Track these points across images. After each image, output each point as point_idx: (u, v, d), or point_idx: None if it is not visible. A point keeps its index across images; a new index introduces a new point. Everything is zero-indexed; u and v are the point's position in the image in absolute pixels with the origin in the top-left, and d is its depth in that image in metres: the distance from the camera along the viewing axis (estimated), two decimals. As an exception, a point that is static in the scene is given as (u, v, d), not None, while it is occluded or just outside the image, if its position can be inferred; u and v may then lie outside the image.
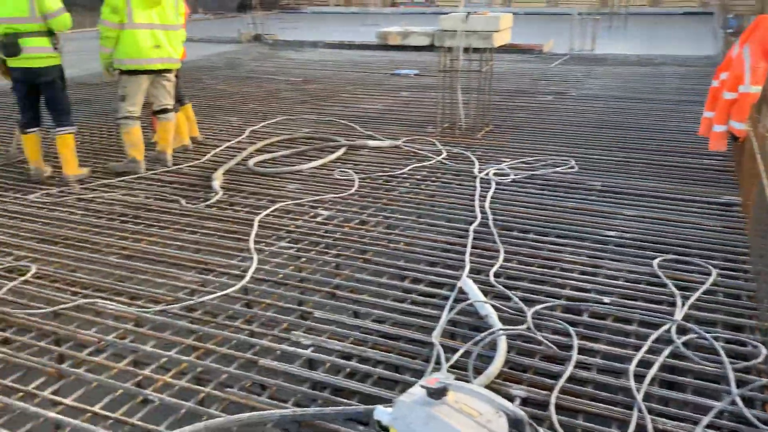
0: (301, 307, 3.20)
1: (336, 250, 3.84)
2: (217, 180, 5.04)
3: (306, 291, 3.38)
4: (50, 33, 4.82)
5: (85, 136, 6.52)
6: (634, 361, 2.62)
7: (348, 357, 2.75)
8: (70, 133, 5.11)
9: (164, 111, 5.49)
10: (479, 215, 4.23)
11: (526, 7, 24.16)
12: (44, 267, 3.61)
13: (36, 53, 4.77)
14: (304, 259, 3.73)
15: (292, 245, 3.92)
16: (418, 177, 5.16)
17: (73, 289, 3.37)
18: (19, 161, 5.61)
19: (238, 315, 3.14)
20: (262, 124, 7.05)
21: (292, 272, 3.58)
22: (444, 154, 5.66)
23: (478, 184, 4.83)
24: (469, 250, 3.70)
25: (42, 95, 5.05)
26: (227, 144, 6.22)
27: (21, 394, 2.52)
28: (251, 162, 5.49)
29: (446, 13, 7.51)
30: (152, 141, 5.88)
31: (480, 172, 5.11)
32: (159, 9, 5.15)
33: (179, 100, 5.94)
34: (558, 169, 5.18)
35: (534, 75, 10.03)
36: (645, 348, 2.71)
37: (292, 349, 2.81)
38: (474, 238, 3.87)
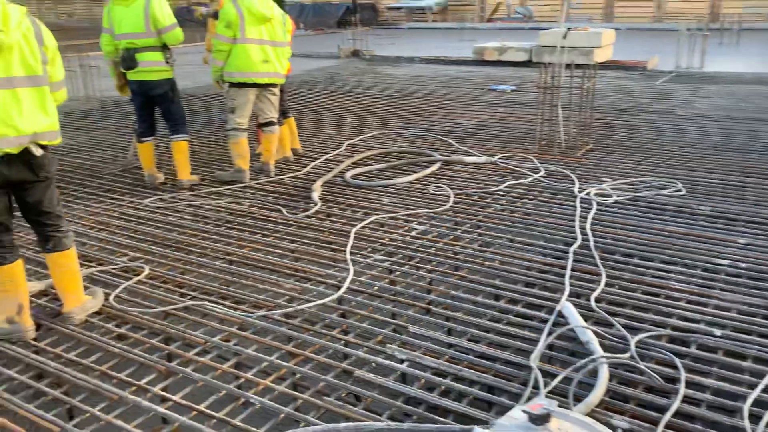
0: (396, 321, 3.22)
1: (430, 265, 3.85)
2: (316, 191, 5.18)
3: (400, 305, 3.41)
4: (164, 47, 5.14)
5: (195, 146, 6.88)
6: (750, 400, 2.45)
7: (443, 374, 2.74)
8: (184, 140, 5.42)
9: (269, 124, 5.72)
10: (579, 237, 4.11)
11: (629, 23, 23.37)
12: (156, 268, 3.84)
13: (150, 67, 5.09)
14: (398, 273, 3.76)
15: (386, 258, 3.96)
16: (515, 194, 5.09)
17: (181, 290, 3.56)
18: (134, 167, 6.00)
19: (335, 324, 3.21)
20: (359, 137, 7.20)
21: (386, 285, 3.62)
22: (542, 172, 5.56)
23: (578, 204, 4.70)
24: (568, 272, 3.61)
25: (157, 106, 5.38)
26: (326, 156, 6.39)
27: (134, 388, 2.68)
28: (348, 175, 5.61)
29: (545, 29, 7.34)
30: (257, 152, 6.14)
31: (580, 192, 4.97)
32: (269, 25, 5.38)
33: (283, 114, 6.17)
34: (663, 191, 4.96)
35: (637, 93, 9.67)
36: (762, 386, 2.53)
37: (386, 362, 2.83)
38: (574, 260, 3.76)
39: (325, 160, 6.29)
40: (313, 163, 6.14)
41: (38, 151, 2.89)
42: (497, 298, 3.45)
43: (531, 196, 5.04)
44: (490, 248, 4.08)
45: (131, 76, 5.17)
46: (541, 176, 5.48)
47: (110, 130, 8.06)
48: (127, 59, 5.06)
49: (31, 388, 2.71)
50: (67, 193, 5.36)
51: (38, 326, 3.14)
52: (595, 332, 2.94)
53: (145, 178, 5.54)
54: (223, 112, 8.43)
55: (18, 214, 3.08)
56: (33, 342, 3.04)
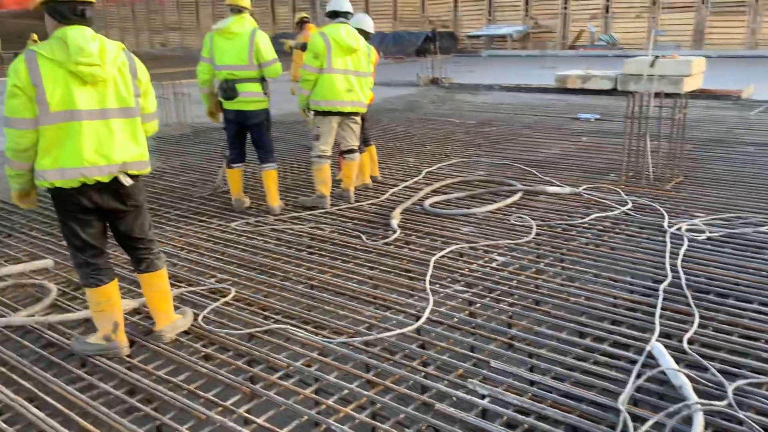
0: (476, 355, 3.17)
1: (512, 298, 3.78)
2: (395, 219, 5.21)
3: (480, 338, 3.36)
4: (262, 79, 5.35)
5: (278, 171, 7.08)
6: None
7: (526, 412, 2.67)
8: (274, 168, 5.60)
9: (350, 151, 5.83)
10: (670, 274, 3.94)
11: (720, 50, 22.48)
12: (242, 291, 3.96)
13: (249, 97, 5.30)
14: (478, 305, 3.71)
15: (466, 289, 3.92)
16: (600, 228, 4.94)
17: (265, 313, 3.65)
18: (222, 192, 6.24)
19: (414, 355, 3.19)
20: (438, 165, 7.21)
21: (466, 317, 3.57)
22: (629, 205, 5.38)
23: (668, 240, 4.51)
24: (658, 311, 3.45)
25: (250, 135, 5.57)
26: (405, 184, 6.43)
27: (220, 408, 2.75)
28: (427, 202, 5.62)
29: (630, 56, 7.15)
30: (337, 178, 6.26)
31: (670, 227, 4.77)
32: (354, 56, 5.52)
33: (365, 141, 6.28)
34: (762, 228, 4.68)
35: (731, 123, 9.24)
36: None
37: (467, 396, 2.79)
38: (664, 299, 3.60)
39: (404, 187, 6.34)
40: (392, 190, 6.19)
41: (127, 181, 3.02)
42: (582, 335, 3.34)
43: (617, 230, 4.88)
44: (575, 283, 3.97)
45: (229, 105, 5.35)
46: (628, 209, 5.30)
47: (200, 154, 8.43)
48: (228, 89, 5.25)
49: (125, 403, 2.83)
50: (160, 215, 5.63)
51: (132, 343, 3.29)
52: (688, 376, 2.79)
53: (232, 202, 5.74)
54: (305, 139, 8.69)
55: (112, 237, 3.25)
56: (127, 358, 3.18)
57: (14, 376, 3.03)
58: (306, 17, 8.59)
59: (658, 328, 3.27)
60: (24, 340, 3.38)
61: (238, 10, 5.28)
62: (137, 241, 3.23)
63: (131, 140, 3.03)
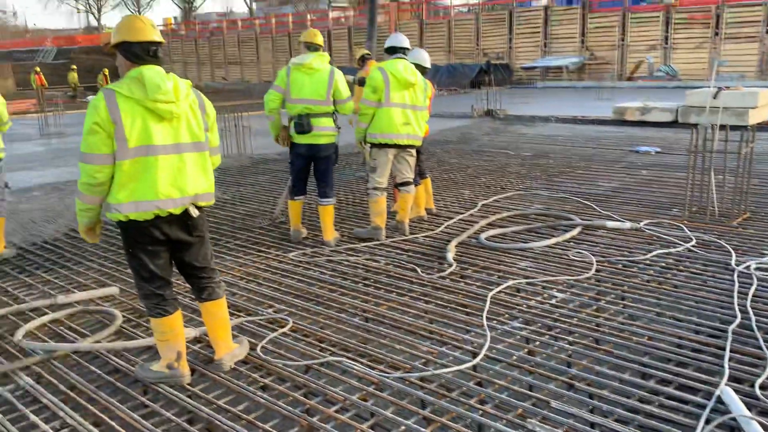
0: (535, 394, 3.10)
1: (572, 336, 3.69)
2: (451, 252, 5.19)
3: (539, 377, 3.28)
4: (333, 114, 5.49)
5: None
6: None
7: (588, 457, 2.59)
8: (332, 204, 5.67)
9: (406, 184, 5.87)
10: (739, 314, 3.78)
11: (787, 80, 21.74)
12: (299, 321, 4.00)
13: (322, 131, 5.41)
14: (537, 343, 3.64)
15: (524, 326, 3.86)
16: (663, 265, 4.79)
17: (322, 345, 3.67)
18: (280, 222, 6.36)
19: (471, 392, 3.15)
20: (494, 198, 7.17)
21: (524, 355, 3.51)
22: (693, 242, 5.21)
23: (735, 279, 4.34)
24: (727, 354, 3.31)
25: (315, 168, 5.61)
26: (460, 216, 6.41)
27: (277, 439, 2.77)
28: (483, 236, 5.59)
29: (691, 88, 6.99)
30: (392, 210, 6.30)
31: (738, 265, 4.59)
32: (411, 91, 5.60)
33: (420, 174, 6.32)
34: (839, 268, 4.46)
35: (801, 156, 8.88)
36: None
37: (527, 437, 2.73)
38: (733, 341, 3.46)
39: (459, 220, 6.32)
40: (447, 223, 6.18)
41: (195, 212, 3.14)
42: (646, 376, 3.23)
43: (681, 267, 4.72)
44: (637, 322, 3.85)
45: (301, 139, 5.42)
46: (692, 246, 5.13)
47: (258, 185, 8.64)
48: (304, 124, 5.35)
49: (185, 431, 2.88)
50: (220, 244, 5.78)
51: (192, 371, 3.36)
52: (761, 424, 2.65)
53: (290, 232, 5.84)
54: (361, 170, 8.80)
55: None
56: (188, 386, 3.25)
57: (81, 401, 3.13)
58: (368, 54, 8.78)
59: (727, 372, 3.13)
60: (91, 365, 3.50)
61: (315, 47, 5.44)
62: (200, 270, 3.32)
63: (202, 173, 3.16)
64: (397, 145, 5.66)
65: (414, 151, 5.88)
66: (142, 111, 2.96)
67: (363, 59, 8.62)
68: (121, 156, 2.94)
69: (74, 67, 34.72)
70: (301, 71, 5.34)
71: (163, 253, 3.17)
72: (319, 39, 5.47)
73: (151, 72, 2.99)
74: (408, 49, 5.77)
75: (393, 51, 5.70)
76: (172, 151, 3.04)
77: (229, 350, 3.44)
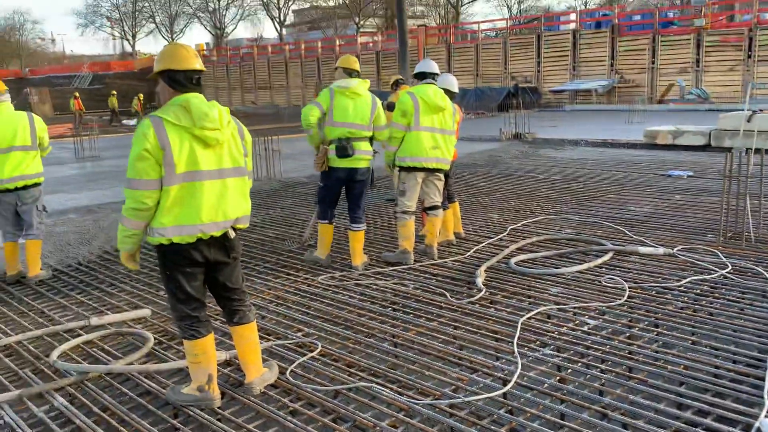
0: (568, 423, 3.04)
1: (604, 365, 3.62)
2: (480, 277, 5.16)
3: (572, 406, 3.22)
4: (370, 138, 5.53)
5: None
6: None
7: (623, 490, 2.52)
8: (363, 230, 5.69)
9: (434, 207, 5.87)
10: (778, 344, 3.68)
11: (824, 102, 21.29)
12: (328, 346, 4.00)
13: (362, 155, 5.44)
14: (569, 371, 3.58)
15: (556, 353, 3.80)
16: (698, 292, 4.70)
17: (351, 370, 3.66)
18: (309, 245, 6.39)
19: (502, 421, 3.10)
20: (523, 222, 7.12)
21: (556, 383, 3.45)
22: (728, 268, 5.10)
23: (774, 307, 4.23)
24: (767, 385, 3.22)
25: (350, 192, 5.61)
26: (489, 241, 6.38)
27: (306, 465, 2.76)
28: (513, 261, 5.54)
29: (724, 111, 6.90)
30: (420, 234, 6.30)
31: (776, 293, 4.48)
32: (440, 115, 5.63)
33: (449, 198, 6.32)
34: None
35: (840, 180, 8.65)
36: None
37: (559, 468, 2.67)
38: (773, 372, 3.36)
39: (488, 244, 6.28)
40: (476, 247, 6.15)
41: (233, 234, 3.22)
42: (682, 407, 3.15)
43: (717, 295, 4.62)
44: (672, 350, 3.76)
45: (341, 163, 5.39)
46: (727, 272, 5.02)
47: (288, 208, 8.72)
48: (346, 147, 5.34)
49: (215, 454, 2.89)
50: (250, 267, 5.82)
51: (222, 394, 3.38)
52: (805, 460, 2.56)
53: (320, 257, 5.82)
54: (389, 193, 8.83)
55: None
56: (218, 410, 3.26)
57: (114, 422, 3.16)
58: (401, 79, 8.88)
59: (767, 404, 3.04)
60: (123, 387, 3.54)
61: (356, 73, 5.48)
62: (232, 292, 3.37)
63: (242, 197, 3.25)
64: (426, 168, 5.67)
65: (442, 175, 5.89)
66: (189, 138, 3.03)
67: (397, 84, 8.70)
68: (168, 181, 3.00)
69: (114, 92, 35.67)
70: (345, 95, 5.35)
71: (199, 275, 3.23)
72: (357, 65, 5.53)
73: (197, 100, 3.06)
74: (437, 74, 5.81)
75: (422, 77, 5.76)
76: (216, 176, 3.11)
77: (260, 374, 3.46)
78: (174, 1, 61.24)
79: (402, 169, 5.73)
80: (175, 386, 3.42)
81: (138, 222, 3.08)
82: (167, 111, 3.05)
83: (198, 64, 3.13)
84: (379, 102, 5.56)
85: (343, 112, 5.35)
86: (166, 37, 63.22)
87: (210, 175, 3.08)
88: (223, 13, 61.53)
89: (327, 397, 3.35)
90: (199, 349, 3.24)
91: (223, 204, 3.13)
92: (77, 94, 32.63)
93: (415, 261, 5.76)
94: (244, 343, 3.43)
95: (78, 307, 4.96)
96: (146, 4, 62.04)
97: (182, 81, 3.09)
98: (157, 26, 63.52)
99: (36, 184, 5.58)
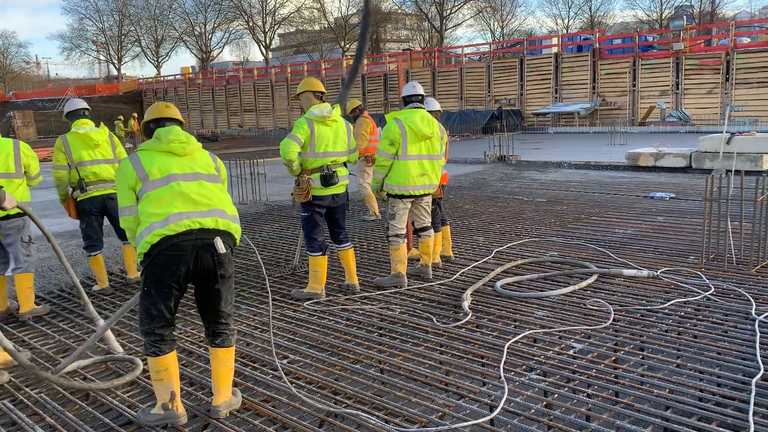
0: (555, 449, 3.03)
1: (591, 389, 3.62)
2: (466, 300, 5.16)
3: (558, 431, 3.21)
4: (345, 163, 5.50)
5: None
6: None
7: None
8: (352, 247, 5.67)
9: (424, 229, 5.90)
10: (762, 366, 3.70)
11: (801, 124, 21.76)
12: (313, 373, 3.96)
13: (343, 181, 5.43)
14: (555, 396, 3.58)
15: (542, 378, 3.80)
16: (682, 314, 4.73)
17: (337, 397, 3.63)
18: (296, 273, 6.36)
19: (489, 448, 3.08)
20: (508, 244, 7.15)
21: (543, 408, 3.44)
22: (712, 290, 5.14)
23: (757, 329, 4.26)
24: (752, 408, 3.23)
25: (331, 217, 5.51)
26: (475, 264, 6.39)
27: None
28: (498, 284, 5.55)
29: (704, 133, 7.02)
30: (409, 256, 6.29)
31: (759, 314, 4.52)
32: (427, 142, 5.65)
33: (442, 221, 6.40)
34: None
35: (819, 201, 8.79)
36: None
37: (547, 496, 2.65)
38: (757, 394, 3.38)
39: (474, 267, 6.30)
40: (461, 270, 6.16)
41: (222, 248, 3.27)
42: (667, 431, 3.15)
43: (700, 317, 4.66)
44: (657, 374, 3.78)
45: (325, 191, 5.28)
46: (710, 294, 5.07)
47: (273, 232, 8.68)
48: (333, 176, 5.27)
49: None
50: (236, 292, 5.76)
51: (195, 416, 3.34)
52: (791, 485, 2.57)
53: (318, 292, 5.51)
54: (361, 217, 8.85)
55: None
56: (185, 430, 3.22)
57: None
58: (360, 106, 9.01)
59: (753, 427, 3.06)
60: (105, 418, 3.47)
61: (322, 95, 5.39)
62: (219, 315, 3.42)
63: (222, 197, 3.41)
64: (413, 195, 5.70)
65: (429, 199, 5.92)
66: (159, 154, 3.34)
67: (359, 111, 8.78)
68: (146, 189, 3.24)
69: (121, 117, 34.69)
70: (325, 123, 5.23)
71: (176, 295, 3.28)
72: (323, 86, 5.47)
73: (164, 128, 3.45)
74: (423, 96, 5.84)
75: (408, 100, 5.77)
76: (192, 178, 3.32)
77: (227, 398, 3.48)
78: (160, 25, 61.54)
79: (390, 195, 5.74)
80: (145, 408, 3.44)
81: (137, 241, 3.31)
82: (143, 145, 3.43)
83: (170, 114, 3.53)
84: (351, 126, 5.58)
85: (325, 142, 5.24)
86: (152, 61, 63.35)
87: (185, 177, 3.30)
88: (209, 37, 61.87)
89: (312, 426, 3.32)
90: (161, 365, 3.29)
91: (205, 197, 3.30)
92: (135, 115, 32.04)
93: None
94: (221, 365, 3.45)
95: (60, 335, 4.88)
96: (132, 29, 62.21)
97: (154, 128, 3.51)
98: (143, 50, 63.70)
99: (19, 214, 5.17)
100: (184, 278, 3.23)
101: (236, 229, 3.41)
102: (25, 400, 3.74)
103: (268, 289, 3.65)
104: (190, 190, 3.26)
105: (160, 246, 3.15)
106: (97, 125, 5.98)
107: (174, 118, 3.53)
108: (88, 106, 6.04)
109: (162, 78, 57.28)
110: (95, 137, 5.82)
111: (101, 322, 4.38)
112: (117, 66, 64.98)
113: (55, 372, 3.78)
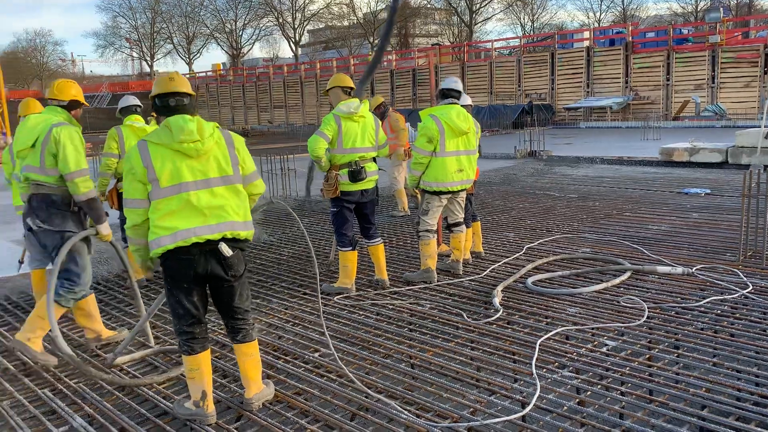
0: (588, 447, 3.01)
1: (624, 387, 3.58)
2: (497, 297, 5.13)
3: (592, 429, 3.18)
4: (374, 158, 5.53)
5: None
6: None
7: None
8: (382, 242, 5.70)
9: (458, 224, 5.89)
10: (802, 367, 3.61)
11: (843, 118, 21.05)
12: (345, 366, 3.98)
13: (372, 177, 5.44)
14: (588, 393, 3.54)
15: (575, 375, 3.76)
16: (718, 312, 4.64)
17: (368, 391, 3.64)
18: (330, 270, 6.37)
19: (521, 444, 3.07)
20: (539, 241, 7.09)
21: (575, 405, 3.41)
22: (749, 288, 5.03)
23: (797, 328, 4.16)
24: (792, 409, 3.16)
25: (361, 212, 5.53)
26: (505, 260, 6.35)
27: (324, 489, 2.74)
28: (530, 280, 5.51)
29: (741, 128, 6.85)
30: (440, 254, 6.28)
31: (799, 314, 4.41)
32: (464, 137, 5.63)
33: (473, 217, 6.36)
34: None
35: None
36: None
37: (580, 494, 2.63)
38: (797, 395, 3.30)
39: (505, 263, 6.26)
40: (492, 267, 6.13)
41: (227, 252, 3.23)
42: (703, 431, 3.10)
43: (738, 315, 4.56)
44: (693, 372, 3.71)
45: (353, 187, 5.31)
46: (748, 292, 4.96)
47: (304, 227, 8.71)
48: (360, 172, 5.29)
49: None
50: (267, 286, 5.84)
51: (228, 408, 3.39)
52: (833, 488, 2.51)
53: (348, 286, 5.55)
54: (391, 209, 8.85)
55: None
56: (223, 424, 3.26)
57: (132, 444, 3.17)
58: (385, 102, 8.97)
59: (793, 429, 2.99)
60: (141, 408, 3.55)
61: (351, 90, 5.39)
62: (235, 312, 3.42)
63: (234, 204, 3.29)
64: (451, 191, 5.68)
65: (464, 193, 5.90)
66: (170, 153, 3.17)
67: (384, 107, 8.71)
68: (155, 195, 3.16)
69: (154, 114, 35.57)
70: (352, 119, 5.26)
71: (197, 292, 3.30)
72: (352, 81, 5.49)
73: (176, 117, 3.22)
74: (461, 92, 5.80)
75: (445, 94, 5.73)
76: (203, 186, 3.20)
77: (259, 390, 3.52)
78: (191, 22, 62.25)
79: (427, 191, 5.72)
80: (180, 399, 3.50)
81: (137, 239, 3.27)
82: (153, 133, 3.24)
83: (175, 88, 3.26)
84: (379, 121, 5.58)
85: (352, 138, 5.27)
86: (184, 58, 64.17)
87: (195, 186, 3.19)
88: (240, 34, 62.42)
89: (344, 419, 3.34)
90: (194, 364, 3.32)
91: (213, 209, 3.21)
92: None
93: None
94: (246, 359, 3.48)
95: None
96: (164, 26, 63.10)
97: (159, 106, 3.30)
98: (174, 47, 64.53)
99: None
100: (197, 278, 3.24)
101: (246, 236, 3.33)
102: (65, 390, 3.84)
103: (317, 275, 3.65)
104: (200, 201, 3.17)
105: (169, 253, 3.18)
106: (147, 122, 6.14)
107: (180, 92, 3.26)
108: (140, 103, 6.17)
109: (194, 74, 58.02)
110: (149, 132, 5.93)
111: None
112: (150, 63, 66.04)
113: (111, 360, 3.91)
